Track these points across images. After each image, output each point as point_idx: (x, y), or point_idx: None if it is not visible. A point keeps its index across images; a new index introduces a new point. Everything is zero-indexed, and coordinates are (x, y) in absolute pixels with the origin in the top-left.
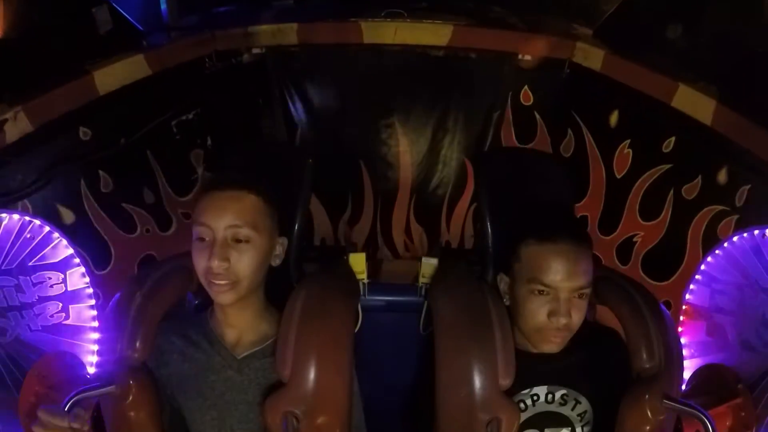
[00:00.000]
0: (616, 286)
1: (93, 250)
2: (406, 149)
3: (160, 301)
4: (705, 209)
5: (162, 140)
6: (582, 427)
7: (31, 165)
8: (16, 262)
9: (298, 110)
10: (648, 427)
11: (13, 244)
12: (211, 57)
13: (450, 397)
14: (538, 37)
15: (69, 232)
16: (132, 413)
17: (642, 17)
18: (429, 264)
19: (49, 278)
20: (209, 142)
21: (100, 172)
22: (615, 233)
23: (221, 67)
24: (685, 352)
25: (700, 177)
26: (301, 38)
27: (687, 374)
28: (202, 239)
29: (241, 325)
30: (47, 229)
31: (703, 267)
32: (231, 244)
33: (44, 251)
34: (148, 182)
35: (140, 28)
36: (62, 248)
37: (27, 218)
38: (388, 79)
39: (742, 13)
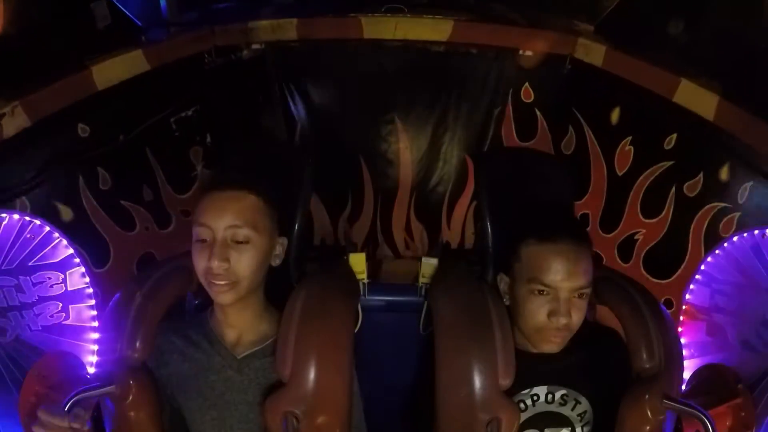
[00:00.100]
0: (616, 286)
1: (91, 247)
2: (406, 146)
3: (160, 301)
4: (707, 206)
5: (161, 137)
6: (582, 427)
7: (30, 161)
8: (16, 262)
9: (297, 106)
10: (648, 427)
11: (13, 244)
12: (210, 53)
13: (450, 397)
14: (540, 32)
15: (67, 230)
16: (132, 413)
17: (643, 13)
18: (429, 264)
19: (49, 278)
20: (208, 139)
21: (99, 169)
22: (616, 231)
23: (220, 63)
24: (685, 352)
25: (701, 174)
26: (300, 33)
27: (687, 374)
28: (202, 240)
29: (241, 325)
30: (47, 228)
31: (703, 267)
32: (231, 244)
33: (44, 251)
34: (147, 180)
35: (139, 23)
36: (62, 248)
37: (27, 218)
38: (389, 75)
39: (744, 9)
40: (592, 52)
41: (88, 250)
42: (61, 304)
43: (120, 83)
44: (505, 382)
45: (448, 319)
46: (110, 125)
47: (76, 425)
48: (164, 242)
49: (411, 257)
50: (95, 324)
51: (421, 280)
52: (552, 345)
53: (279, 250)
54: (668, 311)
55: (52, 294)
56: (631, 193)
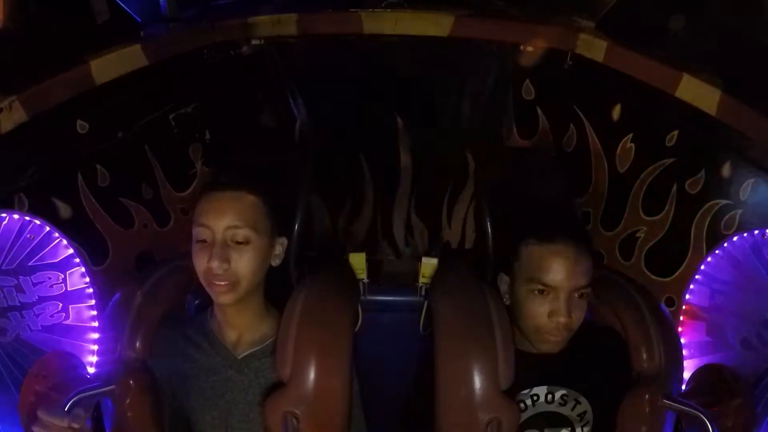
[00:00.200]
0: (616, 285)
1: (90, 245)
2: (406, 143)
3: (160, 301)
4: (708, 204)
5: (160, 134)
6: (582, 427)
7: (28, 158)
8: (16, 262)
9: (297, 103)
10: (648, 427)
11: (13, 244)
12: (209, 48)
13: (450, 397)
14: (541, 28)
15: (66, 227)
16: (132, 413)
17: (644, 9)
18: (429, 264)
19: (49, 278)
20: (208, 136)
21: (98, 165)
22: (618, 229)
23: (220, 58)
24: (685, 352)
25: (703, 171)
26: (300, 29)
27: (687, 374)
28: (202, 240)
29: (241, 325)
30: (47, 228)
31: (703, 267)
32: (231, 244)
33: (44, 251)
34: (146, 177)
35: (138, 19)
36: (62, 248)
37: (27, 218)
38: (389, 71)
39: (745, 4)
40: (594, 48)
41: (86, 247)
42: (61, 304)
43: (119, 79)
44: (505, 382)
45: (448, 319)
46: (109, 122)
47: (75, 425)
48: (163, 240)
49: (411, 257)
50: (95, 324)
51: (421, 280)
52: (552, 345)
53: (279, 250)
54: (669, 311)
55: (52, 294)
56: (633, 191)
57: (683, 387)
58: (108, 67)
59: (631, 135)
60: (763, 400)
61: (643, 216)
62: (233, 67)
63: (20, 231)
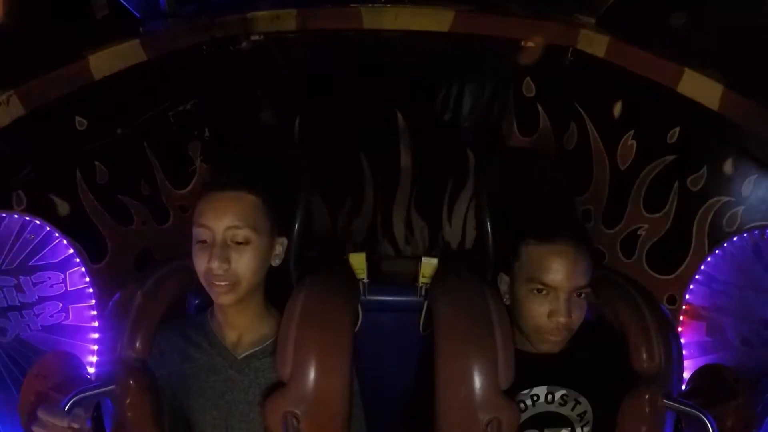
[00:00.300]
0: (616, 285)
1: (88, 242)
2: (406, 140)
3: (160, 301)
4: (711, 200)
5: (159, 131)
6: (582, 427)
7: (26, 155)
8: (16, 262)
9: (297, 100)
10: (647, 427)
11: (13, 244)
12: (208, 44)
13: (450, 397)
14: (542, 23)
15: (64, 224)
16: (132, 413)
17: (645, 5)
18: (429, 264)
19: (49, 278)
20: (207, 133)
21: (96, 162)
22: (619, 226)
23: (219, 54)
24: (685, 352)
25: (705, 168)
26: (300, 24)
27: (687, 374)
28: (202, 241)
29: (241, 325)
30: (47, 228)
31: (703, 267)
32: (231, 245)
33: (44, 251)
34: (145, 174)
35: (137, 15)
36: (62, 248)
37: (27, 218)
38: (389, 67)
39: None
40: (595, 43)
41: (84, 245)
42: (61, 304)
43: (117, 75)
44: (505, 382)
45: (448, 319)
46: (108, 118)
47: (75, 425)
48: (162, 238)
49: (411, 257)
50: (95, 324)
51: (421, 280)
52: (552, 345)
53: (279, 250)
54: (671, 309)
55: (52, 294)
56: (634, 188)
57: (683, 387)
58: (106, 62)
59: (632, 132)
60: (763, 400)
61: (645, 213)
62: (233, 64)
63: (20, 231)
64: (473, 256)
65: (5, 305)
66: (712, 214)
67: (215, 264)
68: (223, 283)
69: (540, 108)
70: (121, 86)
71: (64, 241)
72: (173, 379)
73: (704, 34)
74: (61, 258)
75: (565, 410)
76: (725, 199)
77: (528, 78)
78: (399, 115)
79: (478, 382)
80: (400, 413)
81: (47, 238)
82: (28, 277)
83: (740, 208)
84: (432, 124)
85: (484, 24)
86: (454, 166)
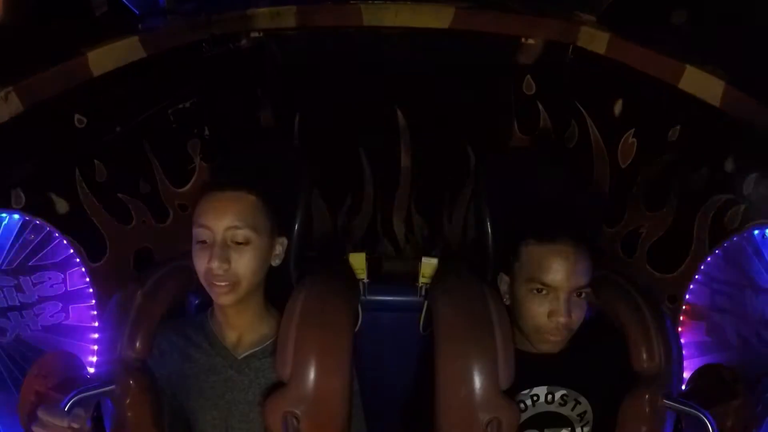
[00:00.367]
0: (616, 285)
1: (87, 240)
2: (406, 137)
3: (160, 301)
4: (712, 198)
5: (158, 129)
6: (582, 427)
7: (25, 152)
8: (16, 262)
9: (296, 97)
10: (648, 428)
11: (13, 244)
12: (208, 41)
13: (450, 397)
14: (542, 20)
15: (63, 223)
16: (132, 413)
17: (646, 2)
18: (429, 264)
19: (49, 278)
20: (207, 131)
21: (95, 160)
22: (620, 225)
23: (219, 52)
24: (685, 352)
25: (706, 166)
26: (299, 21)
27: (687, 374)
28: (202, 241)
29: (241, 325)
30: (47, 228)
31: (703, 267)
32: (231, 245)
33: (44, 251)
34: (145, 172)
35: (136, 12)
36: (62, 248)
37: (27, 218)
38: (389, 64)
39: None
40: (596, 40)
41: (83, 243)
42: (61, 304)
43: (116, 71)
44: (505, 382)
45: (448, 319)
46: (107, 117)
47: (75, 425)
48: (161, 236)
49: (411, 257)
50: (95, 324)
51: (421, 280)
52: (552, 345)
53: (279, 250)
54: (670, 309)
55: (52, 294)
56: (635, 186)
57: (683, 387)
58: (105, 58)
59: (633, 130)
60: (763, 400)
61: (646, 212)
62: (232, 61)
63: (20, 231)
64: (473, 256)
65: (5, 305)
66: (713, 212)
67: (215, 264)
68: (223, 284)
69: (540, 106)
70: (120, 83)
71: (64, 241)
72: (173, 379)
73: (705, 32)
74: (61, 258)
75: (565, 410)
76: (726, 197)
77: (528, 76)
78: (399, 112)
79: (478, 382)
80: (400, 413)
81: (47, 238)
82: (28, 277)
83: (742, 206)
84: (432, 122)
85: (484, 21)
86: (454, 164)
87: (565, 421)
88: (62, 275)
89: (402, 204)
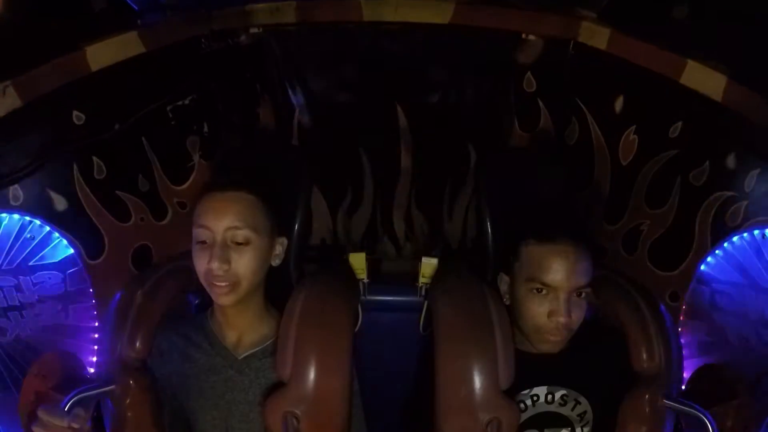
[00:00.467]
0: (617, 285)
1: (85, 238)
2: (406, 133)
3: (160, 301)
4: (713, 195)
5: (157, 126)
6: (582, 427)
7: (23, 149)
8: (16, 262)
9: (296, 94)
10: (648, 428)
11: (13, 244)
12: (207, 37)
13: (450, 397)
14: (543, 15)
15: (61, 220)
16: (132, 413)
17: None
18: (429, 264)
19: (49, 278)
20: (206, 129)
21: (94, 157)
22: (621, 222)
23: (217, 47)
24: (685, 352)
25: (708, 162)
26: (299, 16)
27: (687, 374)
28: (202, 241)
29: (241, 325)
30: (47, 229)
31: (703, 267)
32: (231, 245)
33: (44, 251)
34: (143, 170)
35: (135, 7)
36: (62, 248)
37: (27, 218)
38: (389, 59)
39: None
40: (597, 36)
41: (82, 241)
42: (61, 304)
43: (115, 67)
44: (505, 382)
45: (448, 319)
46: (106, 113)
47: (76, 425)
48: (160, 234)
49: (411, 257)
50: (95, 324)
51: (421, 280)
52: (552, 345)
53: (279, 250)
54: (671, 307)
55: (52, 294)
56: (636, 184)
57: (683, 387)
58: (104, 53)
59: (634, 127)
60: (763, 400)
61: (647, 209)
62: (231, 57)
63: (20, 231)
64: (473, 256)
65: (5, 305)
66: (714, 209)
67: (215, 265)
68: (223, 284)
69: (541, 103)
70: (118, 79)
71: (64, 242)
72: (173, 379)
73: (706, 27)
74: (61, 258)
75: (565, 410)
76: (728, 194)
77: (529, 73)
78: (399, 108)
79: (478, 382)
80: (400, 413)
81: (47, 238)
82: (28, 277)
83: (743, 203)
84: (432, 118)
85: (484, 16)
86: (454, 161)
87: (565, 421)
88: (62, 275)
89: (402, 201)
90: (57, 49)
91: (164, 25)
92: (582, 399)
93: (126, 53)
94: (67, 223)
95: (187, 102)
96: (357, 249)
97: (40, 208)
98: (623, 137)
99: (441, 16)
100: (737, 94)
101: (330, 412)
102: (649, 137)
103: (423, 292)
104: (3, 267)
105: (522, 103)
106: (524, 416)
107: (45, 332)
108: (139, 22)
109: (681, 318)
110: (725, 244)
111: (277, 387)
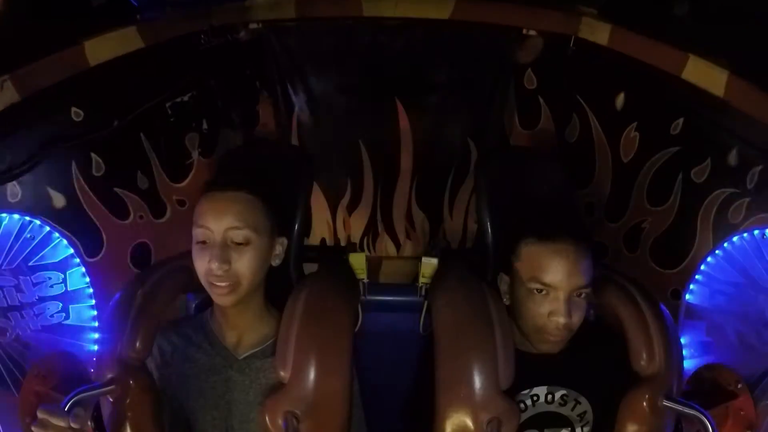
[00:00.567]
0: (617, 285)
1: (84, 236)
2: (407, 129)
3: (160, 301)
4: (715, 192)
5: (156, 123)
6: (582, 427)
7: (22, 146)
8: (16, 262)
9: (296, 90)
10: (648, 428)
11: (13, 244)
12: (206, 32)
13: (450, 397)
14: (543, 11)
15: (59, 217)
16: (132, 413)
17: None
18: (429, 264)
19: (49, 278)
20: (205, 125)
21: (92, 154)
22: (622, 220)
23: (217, 43)
24: (685, 352)
25: (709, 159)
26: (298, 12)
27: (687, 374)
28: (202, 241)
29: (241, 325)
30: (47, 229)
31: (703, 267)
32: (231, 245)
33: (44, 251)
34: (142, 167)
35: (134, 3)
36: (62, 248)
37: (27, 218)
38: (389, 55)
39: None
40: (597, 31)
41: (80, 238)
42: (61, 304)
43: (114, 62)
44: (505, 382)
45: (448, 319)
46: (104, 110)
47: (76, 425)
48: (159, 231)
49: (411, 256)
50: (95, 324)
51: (421, 280)
52: (552, 345)
53: (279, 250)
54: (673, 305)
55: (52, 294)
56: (637, 181)
57: (683, 387)
58: (102, 48)
59: (635, 124)
60: (763, 400)
61: (648, 206)
62: (231, 54)
63: (20, 231)
64: (473, 256)
65: (5, 305)
66: (716, 206)
67: (215, 265)
68: (223, 284)
69: (541, 100)
70: (117, 75)
71: (64, 242)
72: (173, 379)
73: (708, 22)
74: (61, 258)
75: (565, 410)
76: (730, 190)
77: (529, 70)
78: (399, 105)
79: (478, 382)
80: (400, 413)
81: (47, 238)
82: (28, 277)
83: (745, 200)
84: (432, 114)
85: (484, 11)
86: (455, 158)
87: (565, 421)
88: (62, 275)
89: (402, 198)
90: (56, 43)
91: (164, 20)
92: (582, 399)
93: (125, 48)
94: (66, 220)
95: (186, 98)
96: (357, 248)
97: (38, 205)
98: (624, 134)
99: (441, 11)
100: (739, 89)
101: (330, 412)
102: (651, 134)
103: (423, 292)
104: (3, 267)
105: (522, 101)
106: (524, 416)
107: (45, 332)
108: (138, 17)
109: (681, 318)
110: (725, 244)
111: (277, 387)
